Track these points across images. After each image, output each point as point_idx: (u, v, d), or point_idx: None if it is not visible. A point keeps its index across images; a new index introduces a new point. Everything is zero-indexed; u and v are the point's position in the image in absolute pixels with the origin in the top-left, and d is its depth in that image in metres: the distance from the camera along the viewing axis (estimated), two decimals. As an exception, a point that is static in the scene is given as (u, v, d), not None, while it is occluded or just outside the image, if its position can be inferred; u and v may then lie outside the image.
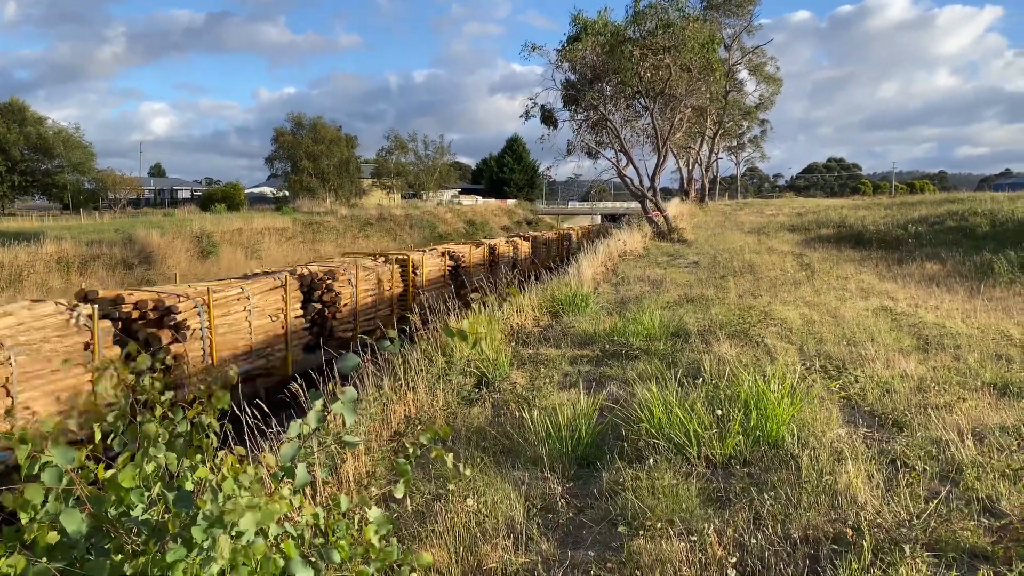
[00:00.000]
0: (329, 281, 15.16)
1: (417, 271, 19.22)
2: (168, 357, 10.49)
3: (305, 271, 14.92)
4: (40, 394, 8.80)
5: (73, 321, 9.49)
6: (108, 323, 10.13)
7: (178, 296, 11.16)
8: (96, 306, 9.82)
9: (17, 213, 56.53)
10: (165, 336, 10.73)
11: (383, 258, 18.82)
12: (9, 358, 8.46)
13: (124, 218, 50.40)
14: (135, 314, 10.76)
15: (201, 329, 11.27)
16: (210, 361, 11.31)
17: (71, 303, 9.88)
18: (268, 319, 13.08)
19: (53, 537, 2.21)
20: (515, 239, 31.47)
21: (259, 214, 52.57)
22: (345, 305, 15.56)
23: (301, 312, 14.16)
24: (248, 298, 12.53)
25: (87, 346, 9.55)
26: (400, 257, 19.19)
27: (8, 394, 8.40)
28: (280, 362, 13.29)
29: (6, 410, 7.97)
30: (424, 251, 21.63)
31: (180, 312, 10.92)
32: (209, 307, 11.44)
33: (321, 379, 5.75)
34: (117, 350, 9.88)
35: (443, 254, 21.76)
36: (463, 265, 22.41)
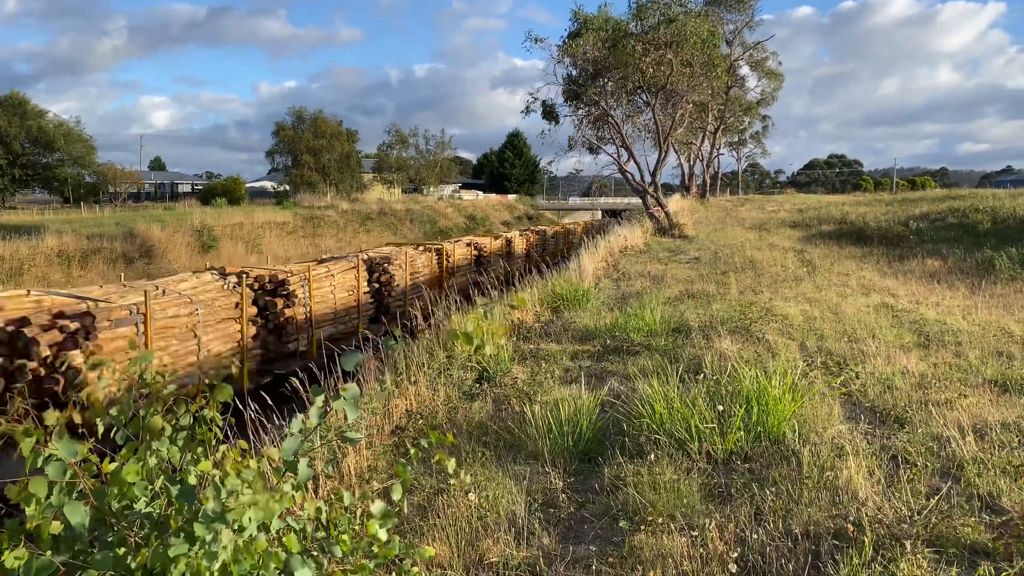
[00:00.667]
0: (385, 264, 17.80)
1: (449, 258, 22.03)
2: (282, 319, 13.67)
3: (368, 256, 17.67)
4: (214, 337, 11.78)
5: (226, 286, 12.53)
6: (249, 290, 13.05)
7: (288, 272, 14.11)
8: (243, 275, 12.89)
9: (18, 207, 56.49)
10: (280, 302, 13.69)
11: (422, 247, 21.45)
12: (196, 310, 11.38)
13: (125, 212, 50.38)
14: (255, 285, 13.59)
15: (304, 298, 14.14)
16: (310, 323, 14.32)
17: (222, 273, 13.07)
18: (346, 293, 15.92)
19: (56, 527, 2.21)
20: (527, 232, 35.34)
21: (260, 208, 52.53)
22: (397, 285, 18.11)
23: (368, 289, 16.93)
24: (333, 276, 15.39)
25: (236, 305, 12.50)
26: (436, 246, 22.09)
27: (195, 336, 11.29)
28: (353, 328, 15.38)
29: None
30: (454, 242, 24.81)
31: (290, 285, 13.82)
32: (309, 282, 14.41)
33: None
34: (255, 309, 13.10)
35: (468, 244, 24.77)
36: (484, 254, 25.51)
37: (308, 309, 14.23)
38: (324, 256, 18.98)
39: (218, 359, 11.43)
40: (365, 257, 17.29)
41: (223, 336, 12.06)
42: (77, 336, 9.20)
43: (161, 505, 2.47)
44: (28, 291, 10.22)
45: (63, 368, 8.75)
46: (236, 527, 2.31)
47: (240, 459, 2.56)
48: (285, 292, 13.72)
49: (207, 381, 2.72)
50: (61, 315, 9.39)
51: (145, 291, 10.34)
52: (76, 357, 8.84)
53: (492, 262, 25.23)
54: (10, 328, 8.98)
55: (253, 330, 12.91)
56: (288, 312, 13.69)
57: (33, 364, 8.80)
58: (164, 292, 11.20)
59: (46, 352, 8.85)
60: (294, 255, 34.76)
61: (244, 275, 12.93)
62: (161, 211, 50.35)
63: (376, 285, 17.30)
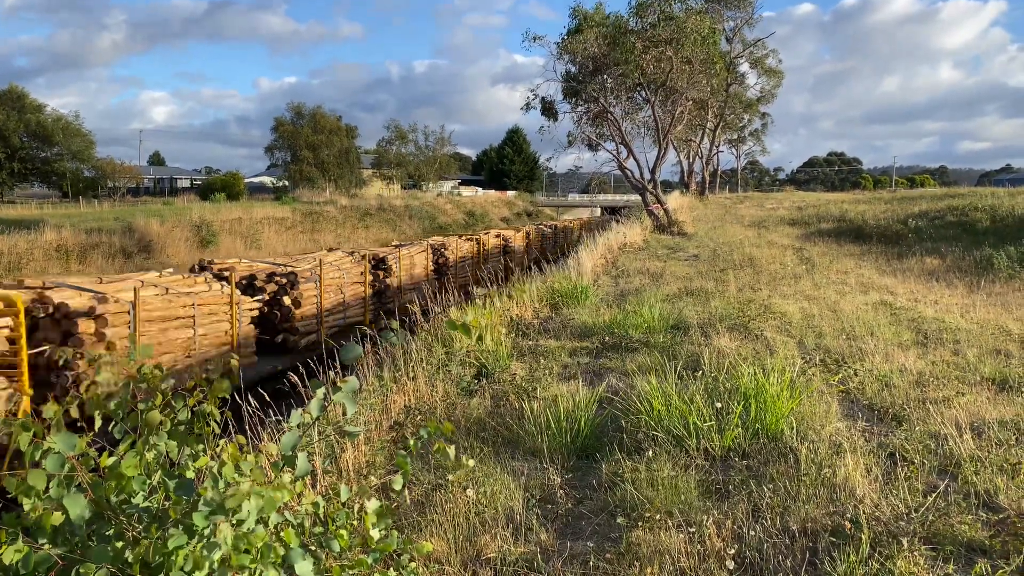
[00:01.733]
0: (443, 249, 23.19)
1: (485, 246, 27.01)
2: (380, 285, 18.39)
3: (432, 242, 23.29)
4: (351, 291, 17.07)
5: (354, 260, 17.68)
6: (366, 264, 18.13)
7: (386, 252, 19.58)
8: (365, 254, 18.32)
9: (16, 201, 56.41)
10: (381, 274, 18.63)
11: (463, 236, 27.37)
12: (344, 274, 16.80)
13: (124, 206, 50.32)
14: (371, 260, 18.43)
15: (397, 270, 19.37)
16: (398, 288, 19.15)
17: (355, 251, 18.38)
18: (420, 269, 21.25)
19: (57, 518, 2.21)
20: (541, 226, 41.10)
21: (259, 204, 52.48)
22: (451, 265, 23.11)
23: (433, 267, 22.24)
24: (411, 256, 20.89)
25: (362, 272, 17.48)
26: (475, 236, 27.78)
27: (341, 292, 16.62)
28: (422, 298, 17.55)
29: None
30: (488, 233, 30.08)
31: (389, 261, 18.99)
32: (400, 259, 19.70)
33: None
34: (371, 277, 17.90)
35: (498, 235, 30.47)
36: (509, 245, 30.58)
37: (397, 279, 19.32)
38: (405, 243, 24.90)
39: (359, 300, 17.13)
40: (432, 243, 23.08)
41: (357, 290, 17.27)
42: (286, 287, 14.56)
43: (159, 500, 2.47)
44: (240, 259, 15.73)
45: (280, 304, 14.46)
46: (235, 519, 2.30)
47: (239, 452, 2.56)
48: (385, 266, 18.78)
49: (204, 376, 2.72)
50: (274, 274, 14.77)
51: (319, 259, 16.34)
52: (286, 299, 14.48)
53: (516, 251, 31.01)
54: (244, 281, 14.15)
55: (371, 290, 17.92)
56: (388, 280, 18.81)
57: (260, 302, 13.95)
58: (321, 263, 15.73)
59: (270, 291, 14.53)
60: (294, 250, 34.69)
61: (367, 253, 18.56)
62: (160, 206, 50.28)
63: (437, 265, 22.64)
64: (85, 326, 9.44)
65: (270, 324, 14.23)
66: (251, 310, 13.28)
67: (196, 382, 2.72)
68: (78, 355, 8.68)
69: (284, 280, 14.60)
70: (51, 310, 9.40)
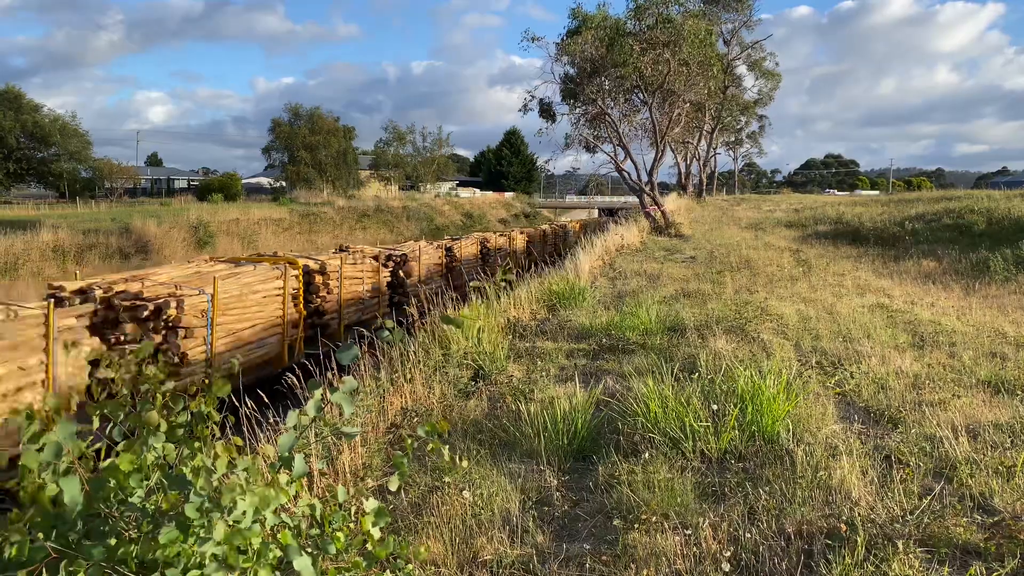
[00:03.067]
0: (454, 248, 24.34)
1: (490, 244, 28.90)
2: (400, 276, 19.40)
3: (444, 242, 24.72)
4: (369, 283, 17.73)
5: (377, 258, 18.61)
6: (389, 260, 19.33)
7: (407, 249, 20.84)
8: (391, 252, 19.71)
9: (13, 201, 56.33)
10: (398, 268, 19.45)
11: (475, 235, 28.93)
12: (363, 269, 17.53)
13: (121, 207, 50.28)
14: (392, 257, 19.81)
15: (415, 266, 20.38)
16: (418, 277, 20.17)
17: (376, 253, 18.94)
18: (433, 265, 22.12)
19: (53, 490, 2.21)
20: (543, 228, 42.18)
21: (256, 204, 52.46)
22: (460, 261, 24.19)
23: (446, 262, 23.12)
24: (428, 254, 21.67)
25: (381, 267, 18.49)
26: (507, 233, 31.66)
27: (363, 281, 17.45)
28: (438, 288, 18.62)
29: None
30: (496, 233, 31.93)
31: (409, 258, 20.06)
32: (420, 256, 20.85)
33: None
34: (388, 272, 18.79)
35: (503, 235, 31.87)
36: (529, 241, 33.63)
37: (418, 274, 20.48)
38: (423, 242, 26.57)
39: (379, 292, 17.79)
40: (444, 243, 24.62)
41: (377, 282, 17.86)
42: (400, 263, 19.44)
43: (156, 500, 2.47)
44: (364, 246, 19.04)
45: (398, 275, 19.06)
46: (231, 518, 2.31)
47: (234, 449, 2.56)
48: (404, 262, 19.82)
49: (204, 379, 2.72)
50: (391, 255, 19.28)
51: (417, 246, 21.29)
52: (401, 272, 19.18)
53: (534, 248, 33.95)
54: (315, 267, 15.15)
55: (387, 280, 18.50)
56: (402, 273, 19.63)
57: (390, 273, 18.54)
58: (420, 249, 20.71)
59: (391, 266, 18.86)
60: (293, 251, 34.68)
61: (390, 251, 19.90)
62: (157, 207, 50.25)
63: (447, 261, 23.64)
64: (320, 279, 14.98)
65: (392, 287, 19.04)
66: (386, 277, 18.42)
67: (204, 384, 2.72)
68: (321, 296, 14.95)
69: (399, 258, 19.49)
70: (317, 267, 14.89)
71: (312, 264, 14.93)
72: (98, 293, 10.28)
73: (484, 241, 27.38)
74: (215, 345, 10.98)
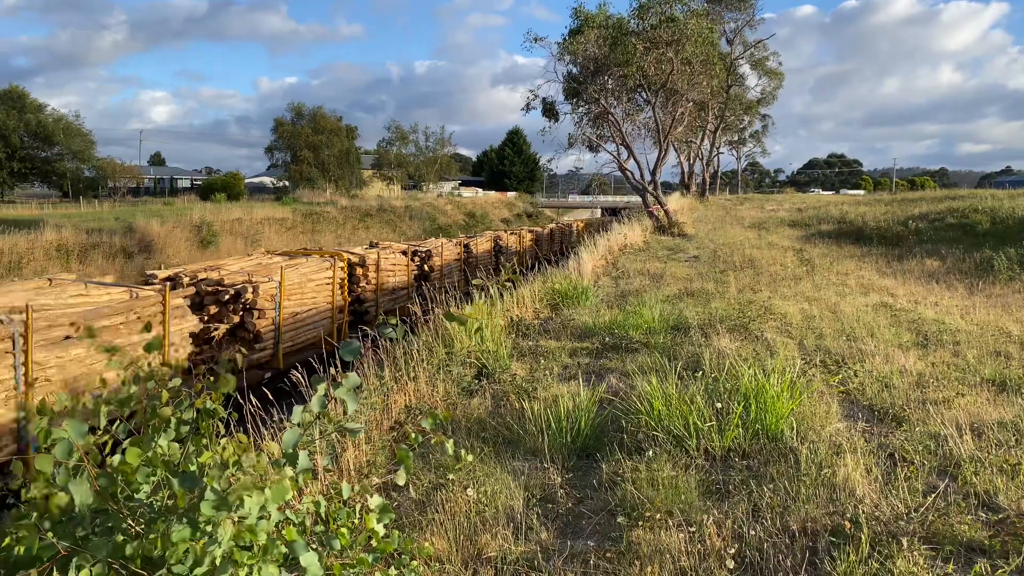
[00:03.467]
0: (500, 240, 28.75)
1: (503, 241, 30.85)
2: (427, 268, 20.99)
3: (462, 239, 26.46)
4: (455, 255, 23.33)
5: (456, 244, 24.32)
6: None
7: (430, 246, 22.15)
8: (469, 239, 25.37)
9: (17, 201, 56.43)
10: (428, 266, 20.98)
11: (488, 233, 31.62)
12: (444, 252, 21.98)
13: (124, 207, 50.35)
14: (466, 244, 25.08)
15: (440, 257, 22.09)
16: (440, 271, 21.49)
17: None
18: (453, 259, 23.44)
19: (63, 498, 2.22)
20: (549, 227, 45.09)
21: (259, 204, 52.50)
22: (476, 256, 25.94)
23: (464, 257, 24.60)
24: (449, 250, 23.05)
25: (459, 255, 23.89)
26: (517, 231, 34.97)
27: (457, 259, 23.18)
28: (491, 271, 23.36)
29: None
30: (508, 232, 34.61)
31: (433, 254, 21.31)
32: (441, 250, 22.29)
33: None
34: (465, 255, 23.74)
35: (513, 233, 34.50)
36: (535, 240, 36.40)
37: (440, 267, 21.86)
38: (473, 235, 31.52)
39: (407, 283, 18.88)
40: (495, 235, 29.07)
41: (407, 274, 19.22)
42: (426, 257, 21.03)
43: (163, 497, 2.48)
44: (392, 243, 21.17)
45: (424, 266, 20.83)
46: (237, 515, 2.31)
47: (240, 447, 2.57)
48: (429, 257, 21.05)
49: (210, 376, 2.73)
50: (417, 250, 20.58)
51: (441, 242, 23.33)
52: (426, 266, 20.92)
53: (544, 245, 37.80)
54: (356, 260, 16.75)
55: (415, 273, 19.84)
56: (427, 267, 20.73)
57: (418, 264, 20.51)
58: (443, 244, 22.86)
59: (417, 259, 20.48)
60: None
61: (416, 247, 21.03)
62: (160, 206, 50.30)
63: (464, 256, 25.23)
64: (361, 271, 16.52)
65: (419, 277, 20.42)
66: (414, 270, 19.84)
67: (202, 385, 2.73)
68: (360, 286, 16.43)
69: (424, 253, 20.96)
70: (358, 260, 16.50)
71: (353, 257, 16.51)
72: (185, 280, 11.98)
73: (497, 239, 29.86)
74: (280, 325, 12.78)
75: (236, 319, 11.89)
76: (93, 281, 10.86)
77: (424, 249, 21.27)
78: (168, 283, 11.45)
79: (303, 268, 14.08)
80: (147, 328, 3.14)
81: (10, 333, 7.42)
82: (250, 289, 11.77)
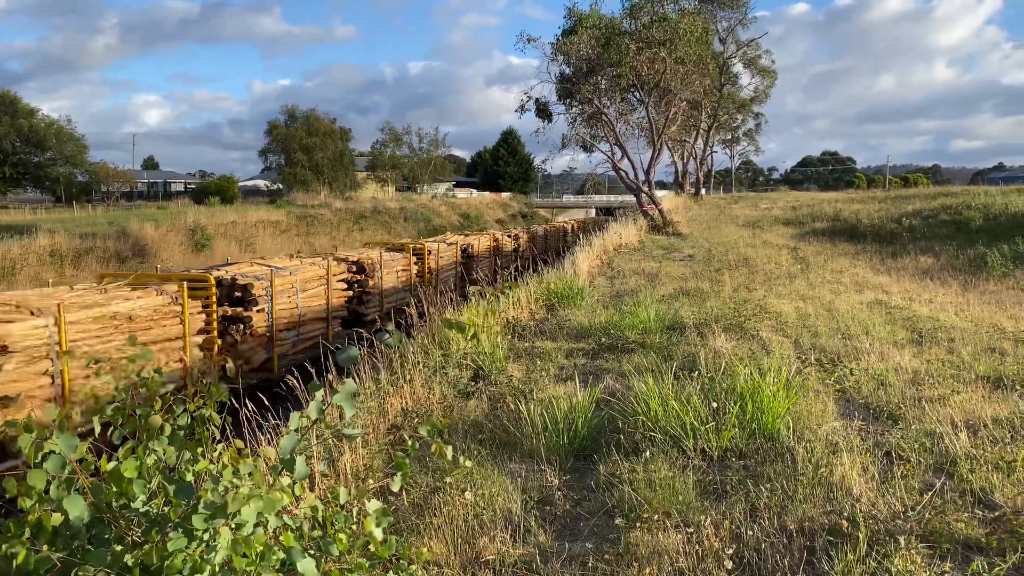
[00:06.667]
0: (472, 244, 26.41)
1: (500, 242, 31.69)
2: (471, 253, 24.68)
3: (461, 241, 26.37)
4: (451, 260, 23.32)
5: (450, 245, 23.85)
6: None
7: (475, 236, 27.02)
8: (469, 241, 25.77)
9: (9, 206, 56.18)
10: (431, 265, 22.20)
11: (488, 233, 31.55)
12: (440, 255, 22.23)
13: (117, 211, 50.20)
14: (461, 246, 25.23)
15: (478, 247, 25.70)
16: (438, 269, 21.81)
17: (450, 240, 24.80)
18: (485, 248, 26.70)
19: (57, 519, 2.21)
20: (544, 228, 44.81)
21: (253, 207, 52.40)
22: (476, 256, 26.23)
23: (495, 247, 27.70)
24: (481, 240, 26.45)
25: (456, 254, 24.04)
26: (495, 235, 32.88)
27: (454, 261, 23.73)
28: (489, 272, 25.24)
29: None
30: (503, 233, 34.39)
31: (473, 247, 25.25)
32: (478, 242, 26.18)
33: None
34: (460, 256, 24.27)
35: (510, 234, 34.54)
36: (531, 240, 36.84)
37: (477, 254, 24.98)
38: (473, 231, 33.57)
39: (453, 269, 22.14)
40: (493, 234, 29.37)
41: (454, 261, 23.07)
42: (466, 249, 24.81)
43: (159, 504, 2.47)
44: (427, 240, 24.22)
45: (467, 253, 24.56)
46: (235, 522, 2.31)
47: (237, 455, 2.56)
48: (471, 250, 24.69)
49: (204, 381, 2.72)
50: (455, 243, 24.17)
51: (456, 238, 25.61)
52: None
53: (539, 245, 38.00)
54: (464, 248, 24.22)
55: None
56: (433, 265, 21.33)
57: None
58: (466, 237, 25.75)
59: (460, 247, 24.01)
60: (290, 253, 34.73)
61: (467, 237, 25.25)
62: (154, 210, 50.14)
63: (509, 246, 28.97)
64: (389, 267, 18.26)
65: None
66: (460, 259, 23.61)
67: (195, 388, 2.72)
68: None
69: (465, 245, 24.63)
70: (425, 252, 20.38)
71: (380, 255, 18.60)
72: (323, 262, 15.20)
73: (496, 239, 30.35)
74: (383, 292, 17.32)
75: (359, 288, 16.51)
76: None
77: (465, 242, 24.86)
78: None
79: (394, 256, 18.83)
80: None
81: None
82: (368, 267, 16.82)
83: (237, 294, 12.20)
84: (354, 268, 16.48)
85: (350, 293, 16.09)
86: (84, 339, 8.72)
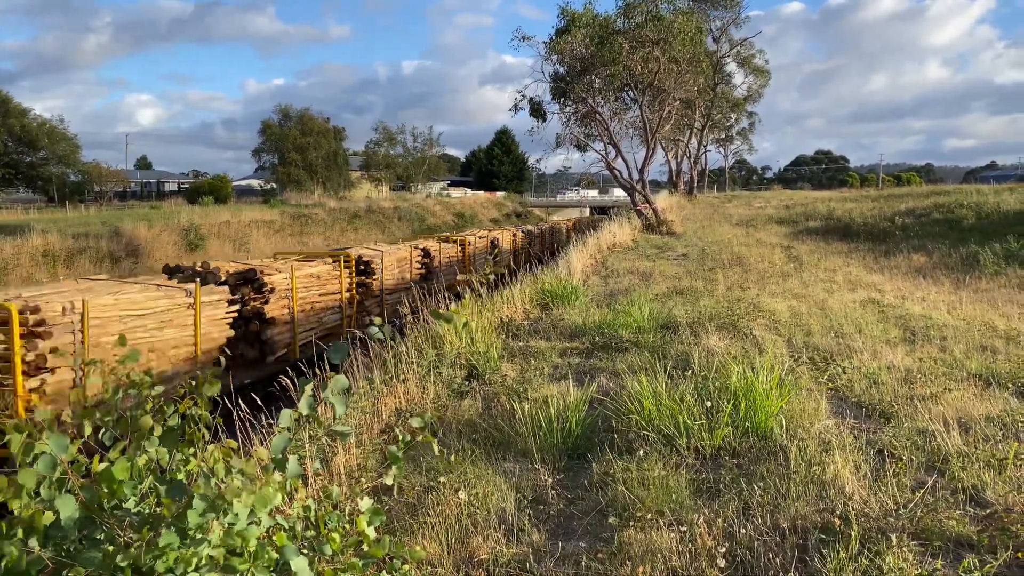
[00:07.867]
0: (468, 243, 27.70)
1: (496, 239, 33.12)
2: (498, 251, 27.14)
3: (459, 238, 27.70)
4: (484, 246, 27.73)
5: (483, 238, 28.72)
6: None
7: (497, 232, 29.86)
8: (497, 235, 30.51)
9: (1, 206, 55.98)
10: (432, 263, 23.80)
11: (484, 231, 33.20)
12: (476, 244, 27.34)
13: (110, 211, 50.05)
14: (488, 239, 29.12)
15: (502, 243, 29.06)
16: (440, 266, 23.02)
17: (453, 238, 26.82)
18: (507, 241, 29.85)
19: (48, 518, 2.20)
20: (539, 226, 45.63)
21: (247, 207, 52.30)
22: (472, 254, 27.42)
23: (513, 240, 30.79)
24: (448, 247, 25.17)
25: (487, 244, 28.18)
26: (492, 233, 34.08)
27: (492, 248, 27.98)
28: (505, 262, 26.85)
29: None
30: (518, 227, 38.29)
31: (500, 242, 28.94)
32: (501, 239, 29.11)
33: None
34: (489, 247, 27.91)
35: (507, 232, 35.58)
36: (527, 239, 37.57)
37: (440, 264, 24.13)
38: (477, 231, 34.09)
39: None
40: (491, 233, 30.79)
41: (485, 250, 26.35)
42: (493, 241, 28.99)
43: (150, 504, 2.46)
44: (464, 235, 27.51)
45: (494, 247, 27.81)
46: (226, 521, 2.30)
47: (229, 453, 2.55)
48: (497, 242, 27.85)
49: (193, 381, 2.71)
50: (485, 236, 28.93)
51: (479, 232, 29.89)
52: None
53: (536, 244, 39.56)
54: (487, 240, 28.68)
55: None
56: (431, 263, 22.52)
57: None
58: (491, 232, 30.20)
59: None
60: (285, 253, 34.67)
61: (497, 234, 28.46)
62: (147, 210, 50.01)
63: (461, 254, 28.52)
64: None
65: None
66: (487, 250, 25.93)
67: (186, 387, 2.71)
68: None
69: (492, 238, 28.36)
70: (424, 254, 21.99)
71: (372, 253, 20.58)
72: (355, 253, 17.97)
73: (494, 238, 31.10)
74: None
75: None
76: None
77: (423, 247, 25.37)
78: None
79: (402, 250, 21.08)
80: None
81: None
82: (433, 253, 21.87)
83: (362, 267, 17.38)
84: (422, 254, 21.52)
85: (424, 271, 21.40)
86: (300, 287, 14.50)
